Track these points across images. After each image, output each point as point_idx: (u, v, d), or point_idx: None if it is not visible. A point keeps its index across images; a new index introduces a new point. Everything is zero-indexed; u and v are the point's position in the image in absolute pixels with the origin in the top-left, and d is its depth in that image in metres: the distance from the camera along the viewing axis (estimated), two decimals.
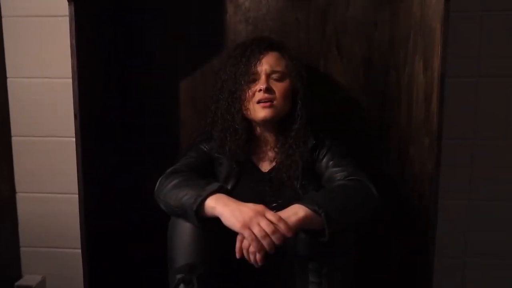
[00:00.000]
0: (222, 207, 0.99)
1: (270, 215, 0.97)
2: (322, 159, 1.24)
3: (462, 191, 1.47)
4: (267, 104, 1.20)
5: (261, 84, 1.20)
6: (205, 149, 1.28)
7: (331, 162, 1.22)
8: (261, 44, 1.25)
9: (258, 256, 0.96)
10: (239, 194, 1.06)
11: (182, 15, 1.44)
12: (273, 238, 0.94)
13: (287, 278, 1.08)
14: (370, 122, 1.44)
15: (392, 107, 1.40)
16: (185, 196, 1.04)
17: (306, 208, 0.99)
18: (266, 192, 1.21)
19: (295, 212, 0.99)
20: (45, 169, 1.53)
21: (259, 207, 0.98)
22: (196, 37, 1.45)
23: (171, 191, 1.08)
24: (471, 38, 1.40)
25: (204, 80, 1.44)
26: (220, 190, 1.04)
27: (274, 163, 1.26)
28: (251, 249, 0.96)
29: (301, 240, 1.03)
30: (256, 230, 0.95)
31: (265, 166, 1.27)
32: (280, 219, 0.96)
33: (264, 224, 0.95)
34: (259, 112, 1.21)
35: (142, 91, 1.48)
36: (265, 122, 1.24)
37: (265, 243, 0.94)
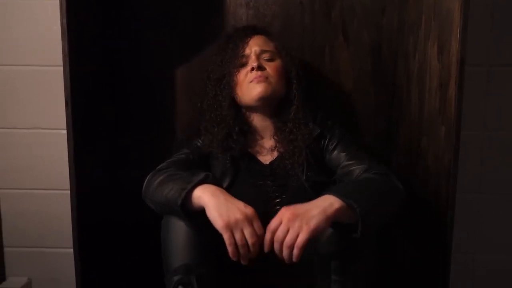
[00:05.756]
0: (208, 196, 0.93)
1: (257, 225, 0.91)
2: (334, 150, 1.17)
3: (472, 185, 1.40)
4: (261, 78, 1.13)
5: (252, 62, 1.15)
6: (198, 143, 1.20)
7: (343, 154, 1.15)
8: (246, 29, 1.22)
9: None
10: (237, 191, 0.99)
11: None
12: (252, 250, 0.90)
13: (302, 276, 1.00)
14: (378, 113, 1.39)
15: (401, 97, 1.34)
16: (170, 191, 0.97)
17: (341, 201, 0.91)
18: (268, 187, 1.13)
19: (331, 203, 0.90)
20: (29, 163, 1.44)
21: (249, 211, 0.92)
22: (192, 22, 1.37)
23: (157, 189, 1.02)
24: (481, 24, 1.33)
25: (202, 69, 1.33)
26: (207, 179, 0.97)
27: (275, 153, 1.18)
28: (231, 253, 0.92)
29: (325, 236, 0.94)
30: (237, 236, 0.89)
31: (266, 158, 1.19)
32: (263, 234, 0.90)
33: (248, 232, 0.89)
34: (254, 89, 1.14)
35: (132, 81, 1.40)
36: (261, 103, 1.15)
37: (242, 252, 0.90)
